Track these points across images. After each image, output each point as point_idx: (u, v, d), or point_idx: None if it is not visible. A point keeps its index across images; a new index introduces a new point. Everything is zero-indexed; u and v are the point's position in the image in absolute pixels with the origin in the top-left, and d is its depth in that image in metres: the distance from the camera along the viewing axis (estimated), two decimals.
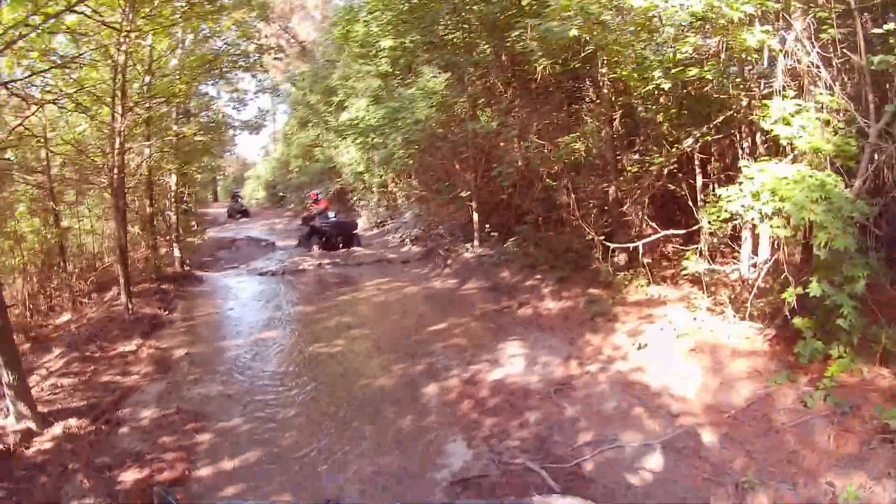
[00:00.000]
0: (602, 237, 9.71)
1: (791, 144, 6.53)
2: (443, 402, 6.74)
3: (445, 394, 6.93)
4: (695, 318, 7.67)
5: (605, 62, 9.60)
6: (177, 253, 14.88)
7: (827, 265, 5.90)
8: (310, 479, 5.21)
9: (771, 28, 6.68)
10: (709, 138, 8.95)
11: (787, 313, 6.38)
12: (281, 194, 37.18)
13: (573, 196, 11.16)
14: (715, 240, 8.51)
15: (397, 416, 6.43)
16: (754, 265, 7.82)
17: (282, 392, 7.28)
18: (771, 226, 6.23)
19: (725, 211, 6.70)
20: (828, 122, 6.47)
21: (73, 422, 6.05)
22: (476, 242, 14.04)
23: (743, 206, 6.28)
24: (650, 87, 8.35)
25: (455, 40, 13.17)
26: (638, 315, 8.52)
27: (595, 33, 7.44)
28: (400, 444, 5.85)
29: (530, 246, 12.05)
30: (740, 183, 6.48)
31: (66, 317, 9.94)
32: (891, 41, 5.81)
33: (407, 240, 18.49)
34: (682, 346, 7.29)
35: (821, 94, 6.50)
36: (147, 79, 11.78)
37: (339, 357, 8.55)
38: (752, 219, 6.39)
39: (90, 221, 12.66)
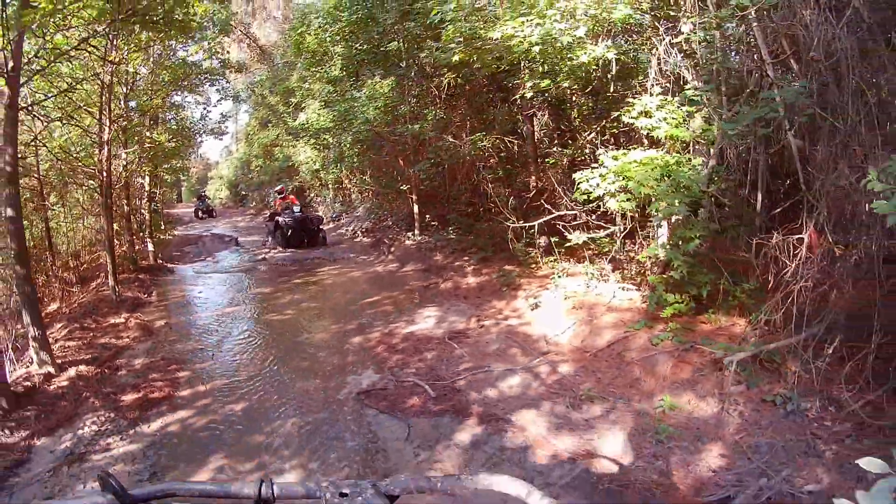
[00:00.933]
0: (522, 222, 11.08)
1: (648, 134, 8.18)
2: (363, 347, 8.73)
3: (366, 342, 8.93)
4: (587, 286, 9.25)
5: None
6: (150, 247, 16.75)
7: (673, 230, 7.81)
8: (258, 394, 7.19)
9: (609, 43, 8.61)
10: (616, 131, 10.63)
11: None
12: (243, 193, 38.65)
13: (489, 186, 12.98)
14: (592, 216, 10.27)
15: (327, 357, 8.42)
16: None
17: (241, 345, 9.31)
18: (617, 200, 7.84)
19: (586, 191, 8.21)
20: (690, 114, 8.00)
21: (82, 368, 7.98)
22: (416, 231, 15.96)
23: (592, 185, 8.05)
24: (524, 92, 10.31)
25: (392, 51, 14.89)
26: (539, 285, 10.36)
27: (475, 57, 9.46)
28: (326, 373, 7.81)
29: (463, 233, 14.00)
30: (594, 167, 8.25)
31: (55, 305, 11.61)
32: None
33: (358, 232, 20.36)
34: (567, 305, 9.05)
35: (689, 90, 8.03)
36: (125, 90, 13.76)
37: (289, 321, 10.55)
38: (601, 195, 8.04)
39: (70, 221, 14.40)
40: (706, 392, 6.18)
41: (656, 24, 8.52)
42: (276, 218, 20.40)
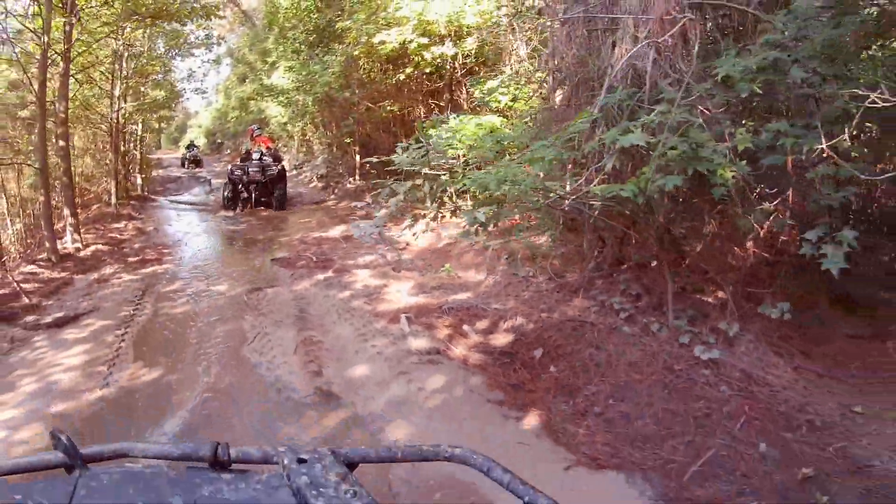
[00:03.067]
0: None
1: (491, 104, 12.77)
2: (286, 244, 13.59)
3: (289, 241, 13.82)
4: (461, 226, 13.89)
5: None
6: (139, 181, 21.71)
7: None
8: (212, 260, 12.20)
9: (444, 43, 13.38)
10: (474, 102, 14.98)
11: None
12: (219, 142, 43.02)
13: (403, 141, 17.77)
14: None
15: (260, 245, 13.43)
16: None
17: (205, 241, 14.35)
18: (455, 147, 12.41)
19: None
20: (529, 94, 12.22)
21: (100, 246, 12.94)
22: (357, 177, 20.76)
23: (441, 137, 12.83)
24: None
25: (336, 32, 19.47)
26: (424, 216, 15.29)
27: (371, 53, 14.34)
28: (258, 253, 12.76)
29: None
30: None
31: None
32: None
33: (314, 178, 25.09)
34: (435, 225, 14.01)
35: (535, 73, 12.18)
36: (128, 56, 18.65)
37: (240, 229, 15.53)
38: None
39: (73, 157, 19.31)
40: (484, 267, 10.55)
41: (512, 24, 12.69)
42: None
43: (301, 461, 1.29)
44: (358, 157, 20.65)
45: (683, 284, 7.80)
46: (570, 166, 6.73)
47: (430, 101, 17.83)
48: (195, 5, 15.26)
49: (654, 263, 7.99)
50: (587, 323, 7.39)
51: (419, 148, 13.22)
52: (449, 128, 12.50)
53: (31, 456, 1.30)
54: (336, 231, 14.60)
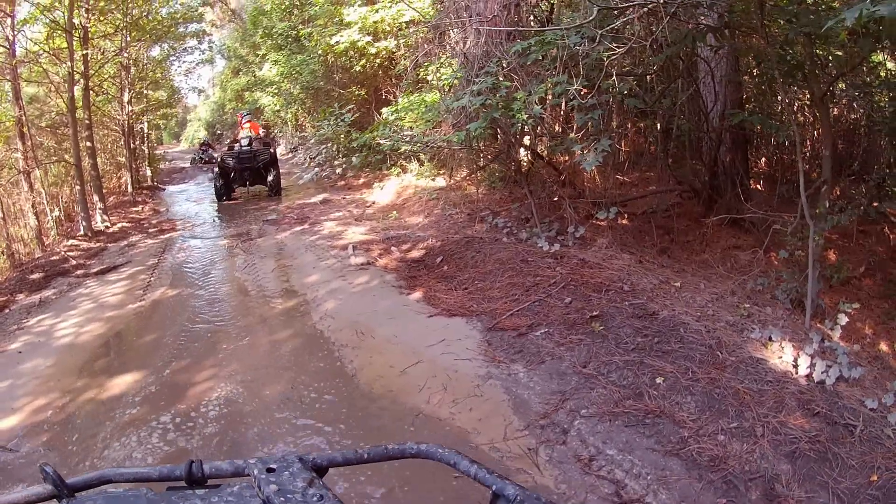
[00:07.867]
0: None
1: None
2: (275, 210, 17.34)
3: (276, 208, 17.60)
4: (417, 180, 17.56)
5: None
6: (148, 173, 25.73)
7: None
8: (216, 223, 16.06)
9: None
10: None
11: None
12: (219, 132, 46.84)
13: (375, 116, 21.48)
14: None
15: (254, 211, 17.25)
16: None
17: (210, 214, 18.22)
18: (406, 123, 16.40)
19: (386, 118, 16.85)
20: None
21: (124, 224, 16.85)
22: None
23: (390, 113, 16.64)
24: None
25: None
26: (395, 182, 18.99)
27: (331, 52, 18.17)
28: (252, 219, 16.44)
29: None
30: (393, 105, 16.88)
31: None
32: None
33: (308, 159, 28.72)
34: (397, 186, 17.62)
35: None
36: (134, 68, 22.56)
37: (238, 204, 19.37)
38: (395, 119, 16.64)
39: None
40: (425, 213, 14.21)
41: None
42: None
43: (270, 470, 1.44)
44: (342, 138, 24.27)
45: (554, 205, 11.37)
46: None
47: (389, 84, 21.37)
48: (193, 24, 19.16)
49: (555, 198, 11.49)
50: (478, 238, 10.94)
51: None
52: (400, 105, 16.21)
53: (21, 490, 1.48)
54: (317, 198, 18.26)
